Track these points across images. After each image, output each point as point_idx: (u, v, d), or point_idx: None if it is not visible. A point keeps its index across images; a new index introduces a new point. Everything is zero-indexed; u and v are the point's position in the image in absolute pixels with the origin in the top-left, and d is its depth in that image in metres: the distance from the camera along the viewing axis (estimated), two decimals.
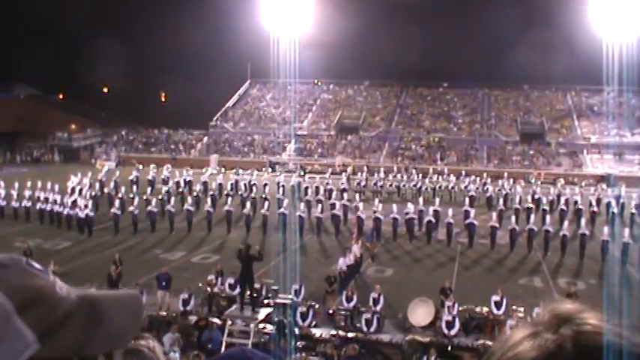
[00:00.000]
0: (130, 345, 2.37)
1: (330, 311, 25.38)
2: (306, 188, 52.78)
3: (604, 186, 58.41)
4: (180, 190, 52.99)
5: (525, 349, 1.24)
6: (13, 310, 1.31)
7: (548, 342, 1.22)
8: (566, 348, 1.20)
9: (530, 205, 46.69)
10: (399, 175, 62.97)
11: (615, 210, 46.99)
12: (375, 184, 58.86)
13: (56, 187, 47.28)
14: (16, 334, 1.30)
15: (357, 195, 49.99)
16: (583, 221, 40.73)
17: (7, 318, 1.31)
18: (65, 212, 43.07)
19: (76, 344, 1.41)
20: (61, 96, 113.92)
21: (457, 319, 23.53)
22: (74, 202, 44.21)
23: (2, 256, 1.41)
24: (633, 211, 46.66)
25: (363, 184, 58.73)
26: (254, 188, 51.89)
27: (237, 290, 25.33)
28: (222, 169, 62.23)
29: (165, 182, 55.30)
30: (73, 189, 50.34)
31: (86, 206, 42.40)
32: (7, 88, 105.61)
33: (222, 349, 21.84)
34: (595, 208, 47.30)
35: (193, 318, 24.20)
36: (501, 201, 49.07)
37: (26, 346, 1.31)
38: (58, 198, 44.95)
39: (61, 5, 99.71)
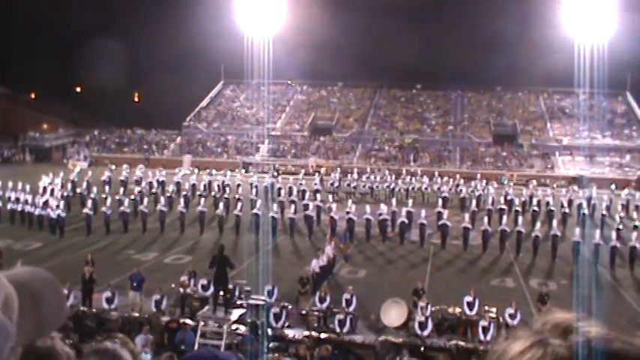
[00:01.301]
0: (101, 345, 2.37)
1: (303, 312, 25.41)
2: (280, 189, 52.74)
3: (575, 187, 58.84)
4: (153, 190, 52.71)
5: (535, 357, 1.26)
6: None
7: (561, 349, 1.24)
8: (579, 354, 1.22)
9: (503, 207, 46.96)
10: (372, 176, 63.04)
11: (586, 211, 47.39)
12: (348, 185, 58.94)
13: (27, 187, 46.89)
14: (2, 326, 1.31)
15: (331, 196, 50.03)
16: (555, 222, 40.98)
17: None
18: (37, 213, 42.77)
19: (30, 329, 1.42)
20: (32, 95, 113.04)
21: (430, 320, 23.64)
22: (46, 203, 43.93)
23: None
24: (604, 212, 47.02)
25: (336, 185, 58.76)
26: (227, 189, 51.76)
27: (210, 291, 25.27)
28: (196, 170, 61.98)
29: (138, 182, 55.04)
30: (44, 189, 49.97)
31: (58, 206, 42.16)
32: None
33: (195, 350, 21.80)
34: (567, 210, 47.80)
35: (166, 319, 24.12)
36: (474, 202, 49.25)
37: (8, 336, 1.32)
38: (29, 198, 44.61)
39: (33, 3, 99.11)
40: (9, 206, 44.59)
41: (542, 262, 36.72)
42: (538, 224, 39.91)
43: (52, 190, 49.67)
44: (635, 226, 40.71)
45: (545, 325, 1.32)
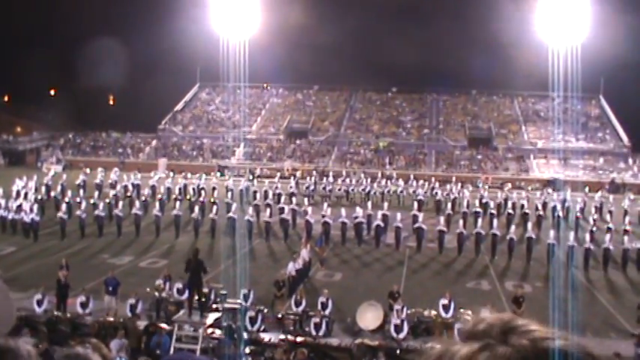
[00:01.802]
0: (72, 350, 2.36)
1: (279, 316, 25.40)
2: (255, 192, 52.67)
3: (550, 190, 59.10)
4: (128, 194, 52.49)
5: None
6: None
7: (509, 352, 1.24)
8: (529, 357, 1.22)
9: (478, 209, 47.20)
10: (348, 180, 63.07)
11: (561, 214, 47.75)
12: (324, 188, 58.95)
13: (1, 190, 46.53)
14: None
15: (306, 199, 50.03)
16: (530, 225, 41.14)
17: None
18: (10, 216, 42.45)
19: None
20: (6, 98, 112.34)
21: (406, 323, 23.69)
22: (19, 207, 43.62)
23: None
24: (578, 214, 47.34)
25: (312, 188, 58.72)
26: (203, 192, 51.62)
27: (186, 295, 25.18)
28: (171, 173, 61.75)
29: (112, 186, 54.76)
30: (18, 193, 49.61)
31: (32, 210, 41.82)
32: None
33: (171, 354, 21.72)
34: (541, 212, 48.06)
35: (143, 323, 24.02)
36: (449, 205, 49.34)
37: None
38: (2, 202, 44.28)
39: (6, 4, 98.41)
40: None
41: (517, 265, 36.93)
42: (513, 227, 40.19)
43: (26, 194, 49.32)
44: (626, 230, 41.13)
45: (479, 327, 1.32)
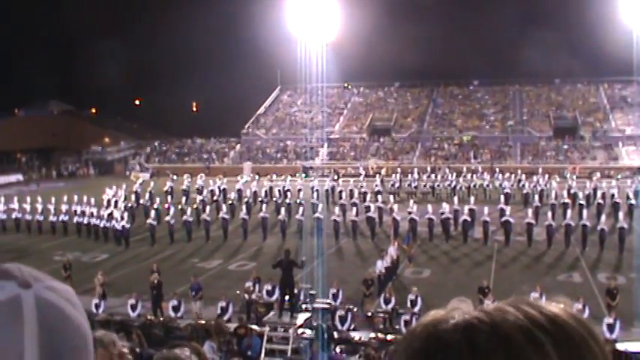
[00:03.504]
0: (170, 353, 2.41)
1: (369, 314, 25.37)
2: (341, 192, 52.75)
3: None
4: (215, 198, 52.99)
5: None
6: None
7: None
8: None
9: (567, 200, 46.23)
10: (432, 176, 62.67)
11: None
12: (409, 185, 58.70)
13: (92, 200, 47.59)
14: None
15: (392, 197, 49.89)
16: (621, 214, 40.13)
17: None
18: (102, 225, 43.44)
19: None
20: (93, 110, 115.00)
21: None
22: (110, 215, 44.57)
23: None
24: None
25: (397, 185, 58.51)
26: (288, 194, 51.90)
27: (275, 296, 25.35)
28: (256, 176, 62.26)
29: (199, 191, 55.54)
30: (108, 201, 50.66)
31: (122, 218, 42.63)
32: (41, 105, 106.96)
33: (262, 355, 21.92)
34: (633, 201, 46.80)
35: (232, 325, 24.27)
36: (537, 197, 48.47)
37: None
38: (94, 211, 45.32)
39: (92, 20, 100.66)
40: (75, 219, 45.33)
41: (610, 256, 36.07)
42: (603, 217, 39.13)
43: (116, 202, 50.31)
44: None
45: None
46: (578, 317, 1.19)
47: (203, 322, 24.58)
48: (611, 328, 21.75)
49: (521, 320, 1.14)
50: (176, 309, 25.63)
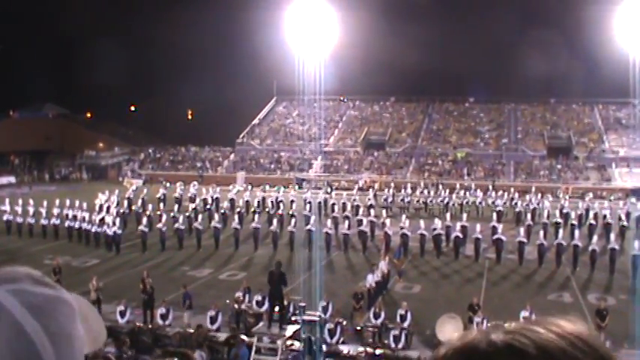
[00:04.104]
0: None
1: (358, 328, 25.37)
2: (333, 205, 52.86)
3: (633, 199, 57.94)
4: (208, 207, 52.99)
5: None
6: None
7: None
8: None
9: (559, 220, 46.40)
10: (425, 191, 62.70)
11: None
12: (402, 200, 58.73)
13: (84, 204, 47.55)
14: (82, 333, 1.48)
15: (384, 211, 49.91)
16: (612, 236, 40.30)
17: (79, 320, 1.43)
18: (93, 230, 43.40)
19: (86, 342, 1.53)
20: (88, 114, 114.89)
21: None
22: (102, 220, 44.52)
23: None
24: None
25: (390, 200, 58.53)
26: (281, 205, 51.83)
27: (265, 307, 25.34)
28: (249, 187, 62.26)
29: (192, 200, 55.57)
30: (100, 207, 50.60)
31: (114, 224, 42.61)
32: (37, 108, 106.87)
33: None
34: (624, 222, 46.84)
35: (221, 335, 24.22)
36: (529, 216, 48.54)
37: (83, 344, 1.49)
38: (86, 216, 45.26)
39: (87, 24, 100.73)
40: (67, 223, 45.28)
41: (600, 277, 36.12)
42: (595, 238, 39.29)
43: (108, 208, 50.27)
44: None
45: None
46: (598, 337, 1.22)
47: (192, 331, 24.55)
48: None
49: (560, 341, 1.16)
50: (164, 317, 25.59)
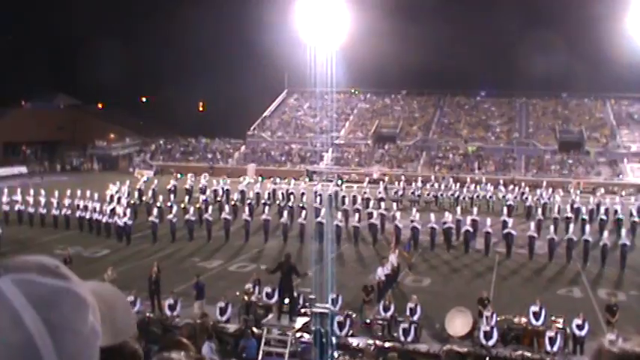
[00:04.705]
0: (165, 355, 2.40)
1: (368, 321, 25.39)
2: (344, 197, 52.76)
3: None
4: (218, 198, 53.08)
5: None
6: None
7: None
8: None
9: (570, 215, 46.16)
10: (436, 185, 62.59)
11: None
12: (413, 193, 58.64)
13: (95, 195, 47.71)
14: (95, 327, 1.47)
15: (395, 204, 49.87)
16: (623, 231, 39.98)
17: (92, 313, 1.45)
18: (104, 220, 43.55)
19: (108, 335, 1.52)
20: (100, 105, 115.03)
21: (495, 330, 23.38)
22: (113, 211, 44.62)
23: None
24: None
25: (400, 193, 58.46)
26: (291, 197, 51.81)
27: (275, 299, 25.35)
28: (260, 178, 62.29)
29: (202, 191, 55.61)
30: (111, 197, 50.74)
31: (125, 214, 42.69)
32: (48, 99, 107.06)
33: (259, 357, 21.91)
34: (636, 218, 46.54)
35: (231, 326, 24.26)
36: (540, 210, 48.45)
37: (98, 337, 1.48)
38: (97, 206, 45.43)
39: (103, 16, 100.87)
40: (78, 214, 45.43)
41: (611, 272, 35.97)
42: (606, 233, 39.08)
43: (119, 199, 50.40)
44: None
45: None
46: None
47: (200, 321, 24.57)
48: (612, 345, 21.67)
49: None
50: (172, 307, 25.64)
